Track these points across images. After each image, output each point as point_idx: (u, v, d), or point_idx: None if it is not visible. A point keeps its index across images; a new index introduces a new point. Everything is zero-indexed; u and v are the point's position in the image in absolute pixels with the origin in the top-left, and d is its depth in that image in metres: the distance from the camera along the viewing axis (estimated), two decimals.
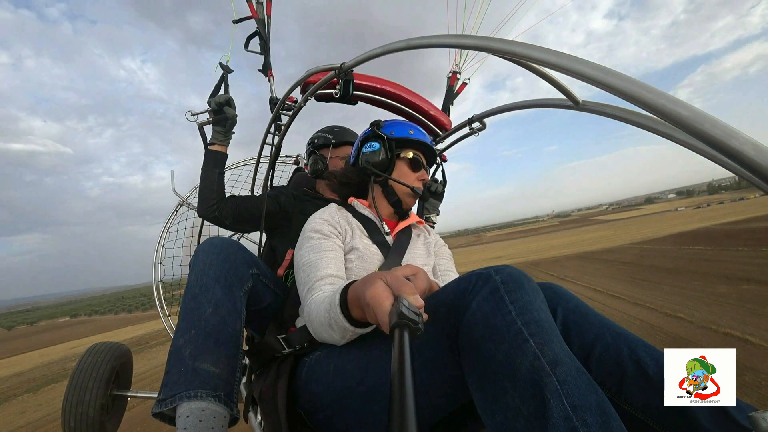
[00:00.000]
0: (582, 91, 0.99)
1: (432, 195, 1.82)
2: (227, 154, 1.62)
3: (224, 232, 2.06)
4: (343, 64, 1.20)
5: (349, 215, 1.29)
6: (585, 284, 7.81)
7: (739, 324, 3.95)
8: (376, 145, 1.32)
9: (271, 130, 1.76)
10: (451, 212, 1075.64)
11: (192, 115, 1.57)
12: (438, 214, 1.89)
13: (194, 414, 0.90)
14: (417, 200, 1.36)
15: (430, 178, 1.76)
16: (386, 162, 1.30)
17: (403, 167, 1.32)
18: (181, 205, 2.41)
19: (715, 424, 0.67)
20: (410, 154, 1.32)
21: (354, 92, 1.53)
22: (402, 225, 1.33)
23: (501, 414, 0.63)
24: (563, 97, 0.94)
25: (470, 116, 1.55)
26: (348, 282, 0.86)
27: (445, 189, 1.85)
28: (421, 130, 1.37)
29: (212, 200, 1.57)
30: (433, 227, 1.89)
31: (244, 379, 1.44)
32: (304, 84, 1.47)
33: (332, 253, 1.13)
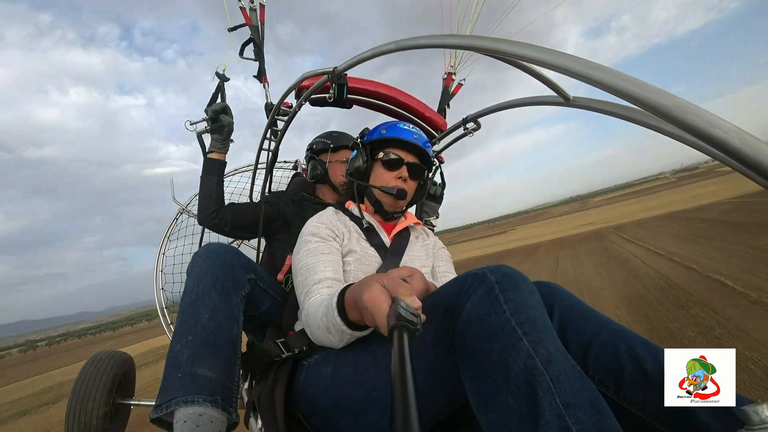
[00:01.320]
0: (575, 87, 0.99)
1: (430, 197, 1.83)
2: (226, 162, 1.63)
3: (225, 239, 2.07)
4: (336, 67, 1.21)
5: (347, 219, 1.29)
6: (644, 244, 8.13)
7: (739, 272, 4.25)
8: (355, 152, 1.35)
9: (268, 135, 1.77)
10: (555, 180, 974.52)
11: (191, 125, 1.58)
12: (437, 217, 1.89)
13: (191, 419, 0.90)
14: (398, 201, 1.30)
15: (428, 180, 1.76)
16: (363, 167, 1.31)
17: (379, 169, 1.31)
18: (182, 213, 2.42)
19: (714, 420, 0.67)
20: (381, 155, 1.30)
21: (348, 96, 1.54)
22: (399, 227, 1.33)
23: (495, 413, 0.63)
24: (554, 93, 0.94)
25: (464, 117, 1.55)
26: (345, 285, 0.86)
27: (444, 192, 1.85)
28: (404, 127, 1.33)
29: (211, 208, 1.58)
30: (433, 230, 1.89)
31: (246, 385, 1.44)
32: (299, 89, 1.48)
33: (330, 256, 1.14)
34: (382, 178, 1.29)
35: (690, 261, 5.38)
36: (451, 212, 41.54)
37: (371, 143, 1.32)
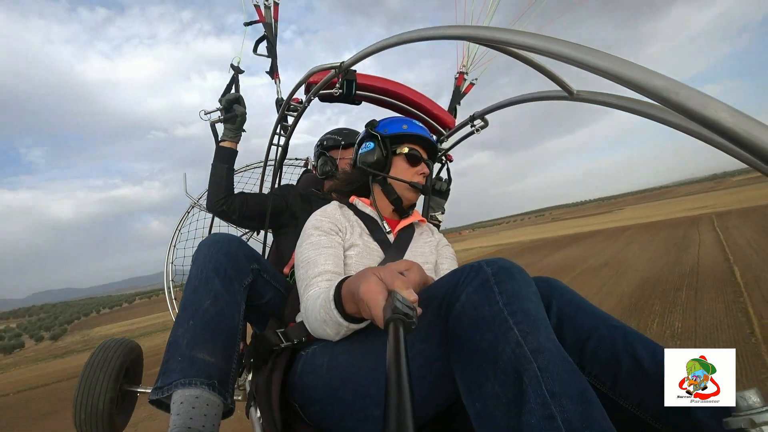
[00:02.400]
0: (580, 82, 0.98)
1: (436, 193, 1.82)
2: (237, 151, 1.66)
3: (234, 231, 2.10)
4: (342, 63, 1.22)
5: (351, 213, 1.29)
6: (721, 233, 8.47)
7: (763, 267, 4.57)
8: (371, 145, 1.32)
9: (278, 131, 1.79)
10: (698, 154, 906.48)
11: (205, 114, 1.62)
12: (443, 213, 1.89)
13: (188, 401, 0.91)
14: (418, 195, 1.34)
15: (435, 176, 1.76)
16: (382, 160, 1.30)
17: (400, 163, 1.31)
18: (193, 207, 2.46)
19: (712, 417, 0.65)
20: (405, 149, 1.31)
21: (357, 92, 1.55)
22: (404, 223, 1.33)
23: (482, 401, 0.62)
24: (558, 88, 0.93)
25: (471, 114, 1.54)
26: (342, 278, 0.86)
27: (450, 187, 1.85)
28: (418, 123, 1.35)
29: (221, 194, 1.61)
30: (439, 226, 1.88)
31: (249, 377, 1.45)
32: (307, 84, 1.49)
33: (331, 249, 1.14)
34: (404, 172, 1.30)
35: (736, 253, 5.70)
36: (570, 187, 37.35)
37: (390, 137, 1.32)
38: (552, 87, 0.95)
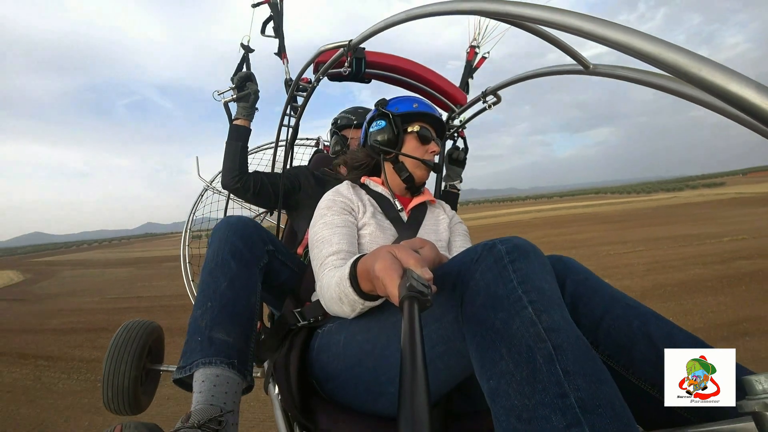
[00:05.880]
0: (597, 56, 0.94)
1: (454, 162, 1.82)
2: (251, 129, 1.67)
3: (247, 212, 2.12)
4: (351, 40, 1.20)
5: (363, 192, 1.30)
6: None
7: None
8: (382, 123, 1.32)
9: (288, 111, 1.78)
10: None
11: (219, 95, 1.62)
12: (461, 182, 1.89)
13: (209, 379, 0.94)
14: (429, 173, 1.35)
15: (451, 146, 1.77)
16: (394, 138, 1.30)
17: (412, 141, 1.31)
18: (206, 190, 2.49)
19: None
20: (417, 128, 1.31)
21: (366, 70, 1.52)
22: (416, 201, 1.33)
23: (495, 379, 0.62)
24: (573, 62, 0.90)
25: (483, 90, 1.51)
26: (358, 255, 0.87)
27: (467, 157, 1.85)
28: (427, 102, 1.35)
29: (235, 171, 1.63)
30: (458, 194, 1.89)
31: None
32: (316, 63, 1.47)
33: (345, 229, 1.15)
34: (415, 150, 1.31)
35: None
36: None
37: (401, 116, 1.32)
38: (567, 61, 0.92)
